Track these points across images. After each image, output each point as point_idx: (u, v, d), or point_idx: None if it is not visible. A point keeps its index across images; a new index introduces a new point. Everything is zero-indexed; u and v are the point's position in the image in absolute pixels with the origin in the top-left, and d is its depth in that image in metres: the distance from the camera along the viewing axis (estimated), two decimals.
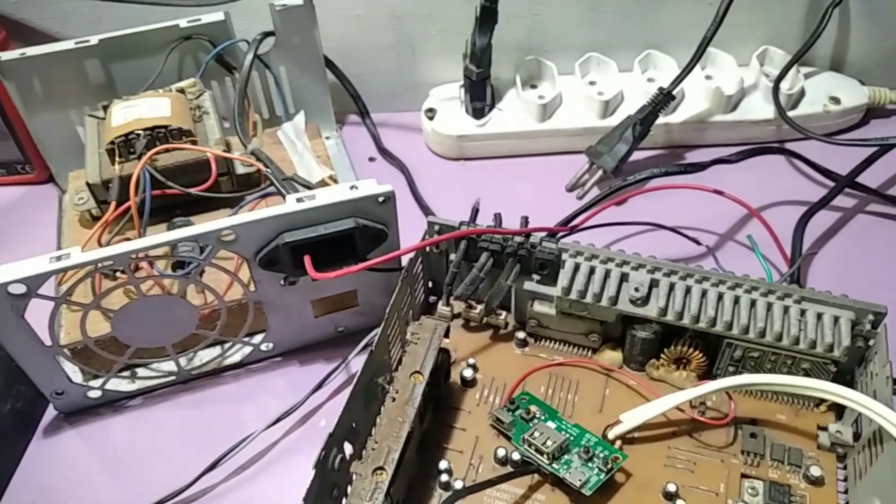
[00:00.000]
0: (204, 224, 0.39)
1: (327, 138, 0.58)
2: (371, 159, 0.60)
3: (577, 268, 0.41)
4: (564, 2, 0.57)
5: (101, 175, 0.47)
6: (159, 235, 0.38)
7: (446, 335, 0.40)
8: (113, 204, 0.46)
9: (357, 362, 0.45)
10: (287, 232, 0.40)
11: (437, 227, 0.44)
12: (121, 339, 0.42)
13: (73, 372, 0.44)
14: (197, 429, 0.44)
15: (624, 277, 0.41)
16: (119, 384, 0.45)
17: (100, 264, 0.38)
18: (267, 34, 0.54)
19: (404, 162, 0.58)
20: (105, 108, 0.50)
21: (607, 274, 0.41)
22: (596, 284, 0.40)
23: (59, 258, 0.37)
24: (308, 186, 0.48)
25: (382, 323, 0.38)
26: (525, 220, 0.43)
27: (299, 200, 0.39)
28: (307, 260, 0.40)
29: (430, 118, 0.59)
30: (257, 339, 0.46)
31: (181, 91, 0.51)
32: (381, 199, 0.40)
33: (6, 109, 0.54)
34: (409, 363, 0.38)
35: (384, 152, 0.60)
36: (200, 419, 0.44)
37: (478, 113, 0.57)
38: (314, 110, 0.58)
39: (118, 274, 0.44)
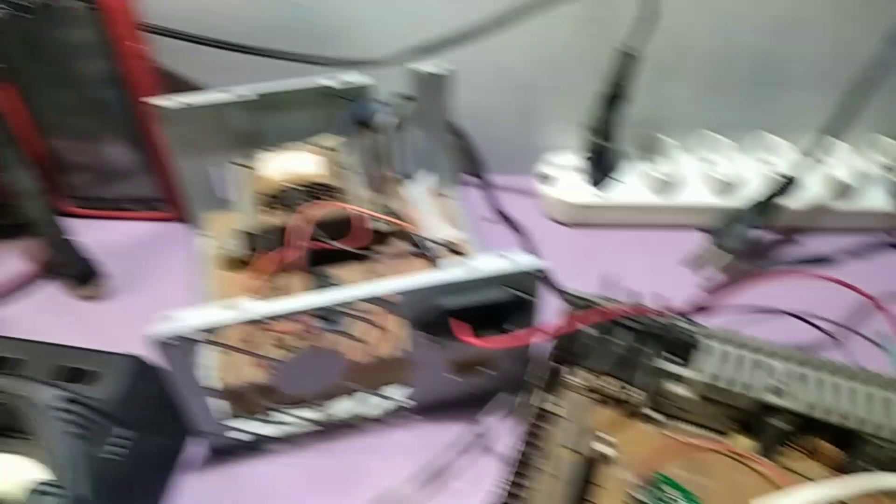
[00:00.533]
0: (374, 285, 0.41)
1: (448, 197, 0.61)
2: (486, 219, 0.62)
3: (715, 352, 0.43)
4: (686, 80, 0.59)
5: (254, 224, 0.50)
6: (334, 293, 0.40)
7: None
8: (267, 254, 0.48)
9: (490, 425, 0.47)
10: (445, 297, 0.42)
11: (574, 300, 0.45)
12: (275, 386, 0.44)
13: (222, 413, 0.46)
14: (328, 476, 0.46)
15: (759, 364, 0.42)
16: (260, 427, 0.47)
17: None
18: (405, 97, 0.56)
19: (518, 224, 0.61)
20: (255, 158, 0.53)
21: (744, 360, 0.42)
22: (734, 370, 0.42)
23: (237, 309, 0.40)
24: (448, 248, 0.51)
25: (532, 394, 0.40)
26: (648, 296, 0.44)
27: (456, 268, 0.42)
28: (463, 326, 0.42)
29: (547, 183, 0.61)
30: (396, 393, 0.48)
31: (326, 147, 0.54)
32: (535, 272, 0.42)
33: (155, 150, 0.57)
34: (560, 437, 0.39)
35: (499, 213, 0.62)
36: (333, 467, 0.46)
37: (597, 182, 0.59)
38: (437, 170, 0.60)
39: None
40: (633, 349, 0.44)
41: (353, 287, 0.41)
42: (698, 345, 0.43)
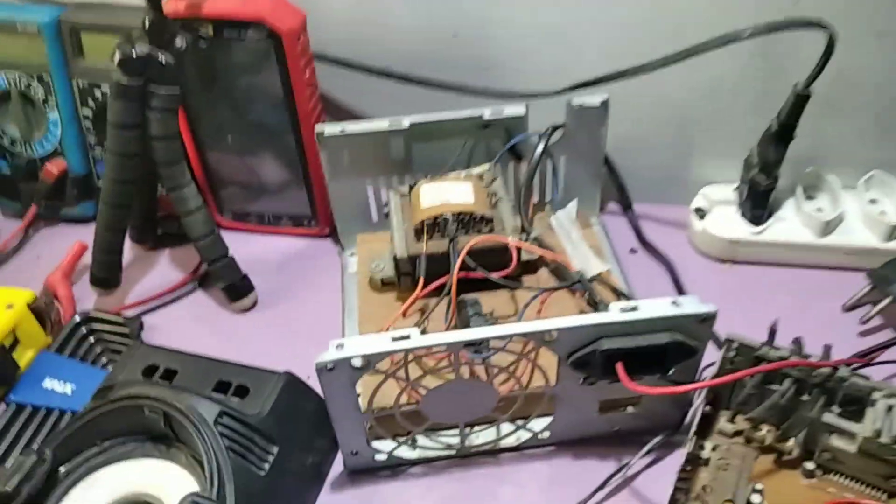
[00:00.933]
0: (535, 322, 0.41)
1: (594, 227, 0.60)
2: (632, 251, 0.61)
3: (891, 409, 0.40)
4: (856, 117, 0.57)
5: (409, 250, 0.51)
6: (496, 328, 0.41)
7: None
8: (421, 280, 0.49)
9: (636, 466, 0.46)
10: (606, 338, 0.41)
11: (735, 345, 0.44)
12: (424, 413, 0.45)
13: (368, 434, 0.47)
14: (461, 502, 0.46)
15: None
16: (403, 451, 0.47)
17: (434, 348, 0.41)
18: (556, 127, 0.56)
19: (666, 257, 0.59)
20: (410, 185, 0.54)
21: None
22: None
23: (399, 338, 0.40)
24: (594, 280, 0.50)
25: (689, 443, 0.39)
26: (797, 341, 0.43)
27: (623, 310, 0.41)
28: (621, 368, 0.41)
29: (701, 217, 0.59)
30: (537, 425, 0.47)
31: (479, 176, 0.54)
32: (702, 318, 0.41)
33: (312, 172, 0.59)
34: (718, 489, 0.38)
35: (646, 245, 0.61)
36: (466, 494, 0.46)
37: (756, 220, 0.57)
38: (582, 197, 0.60)
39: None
40: (795, 400, 0.42)
41: (513, 323, 0.41)
42: (866, 399, 0.41)
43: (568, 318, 0.41)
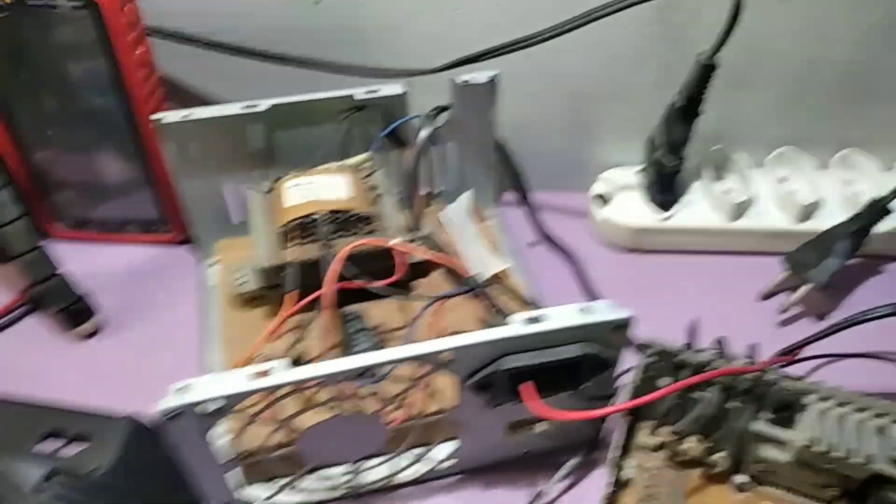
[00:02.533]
0: (425, 344, 0.34)
1: (489, 220, 0.53)
2: (531, 244, 0.55)
3: (824, 414, 0.36)
4: (764, 90, 0.53)
5: (272, 257, 0.43)
6: (380, 354, 0.33)
7: None
8: (290, 294, 0.41)
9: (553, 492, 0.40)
10: (509, 356, 0.35)
11: (653, 351, 0.39)
12: (304, 455, 0.37)
13: (235, 482, 0.39)
14: None
15: (880, 430, 0.36)
16: (282, 497, 0.39)
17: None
18: (442, 109, 0.49)
19: (568, 250, 0.54)
20: (274, 180, 0.46)
21: (847, 420, 0.36)
22: (848, 436, 0.35)
23: (261, 374, 0.32)
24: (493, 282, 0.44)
25: (609, 466, 0.34)
26: (720, 342, 0.39)
27: (526, 322, 0.35)
28: (527, 390, 0.35)
29: (603, 204, 0.54)
30: (439, 453, 0.41)
31: (355, 167, 0.47)
32: (616, 326, 0.35)
33: (156, 168, 0.50)
34: None
35: (546, 237, 0.55)
36: None
37: (663, 205, 0.52)
38: (478, 189, 0.53)
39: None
40: (721, 408, 0.38)
41: (402, 345, 0.34)
42: (797, 403, 0.37)
43: (464, 335, 0.34)
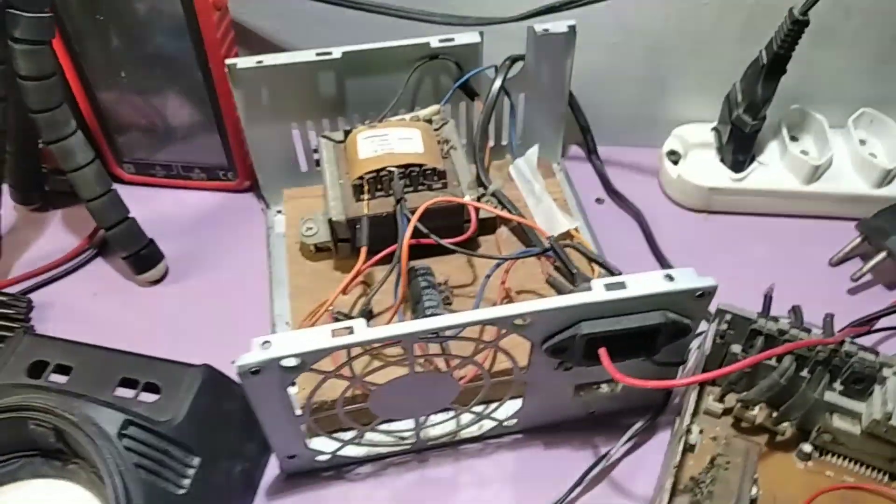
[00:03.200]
0: (499, 308, 0.34)
1: (557, 175, 0.53)
2: (598, 200, 0.54)
3: (890, 384, 0.36)
4: (850, 47, 0.50)
5: (347, 212, 0.42)
6: (459, 316, 0.33)
7: None
8: (364, 250, 0.41)
9: (614, 455, 0.40)
10: (586, 321, 0.35)
11: (728, 317, 0.38)
12: (374, 411, 0.38)
13: (306, 433, 0.40)
14: (416, 501, 0.40)
15: None
16: (348, 449, 0.40)
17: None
18: (515, 59, 0.48)
19: (637, 209, 0.53)
20: (346, 132, 0.46)
21: None
22: None
23: (342, 331, 0.33)
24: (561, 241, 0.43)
25: (679, 434, 0.33)
26: (795, 311, 0.38)
27: (608, 288, 0.34)
28: (605, 356, 0.35)
29: (675, 162, 0.53)
30: (502, 412, 0.41)
31: (426, 119, 0.46)
32: (699, 293, 0.35)
33: (226, 114, 0.50)
34: (721, 493, 0.33)
35: (614, 194, 0.54)
36: (422, 492, 0.40)
37: (738, 165, 0.51)
38: (543, 142, 0.52)
39: None
40: (794, 378, 0.37)
41: (480, 310, 0.34)
42: (874, 376, 0.37)
43: (543, 300, 0.34)
